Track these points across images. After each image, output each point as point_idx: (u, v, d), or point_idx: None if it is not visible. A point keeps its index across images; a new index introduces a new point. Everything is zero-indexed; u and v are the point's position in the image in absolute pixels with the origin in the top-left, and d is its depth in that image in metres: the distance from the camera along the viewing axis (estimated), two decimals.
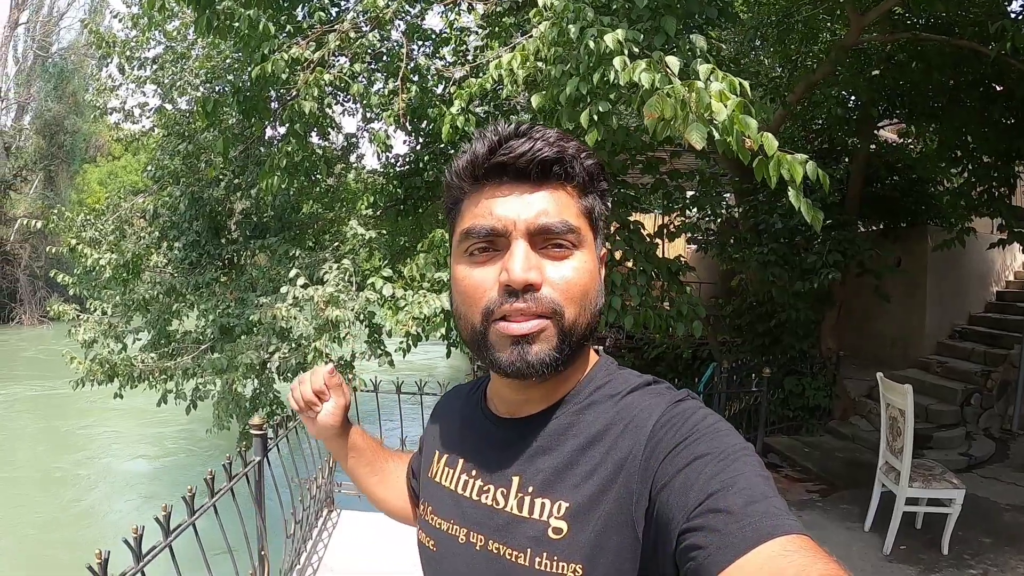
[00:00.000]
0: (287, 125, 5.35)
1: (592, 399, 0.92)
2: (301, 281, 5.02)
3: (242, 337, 5.69)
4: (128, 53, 7.84)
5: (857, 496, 5.69)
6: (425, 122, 6.00)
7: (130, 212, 7.88)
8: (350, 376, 5.25)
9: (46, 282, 28.39)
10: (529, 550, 0.85)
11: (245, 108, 5.22)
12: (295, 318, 4.82)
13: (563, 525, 0.83)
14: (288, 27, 5.45)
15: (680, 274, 5.02)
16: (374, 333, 5.63)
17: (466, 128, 4.62)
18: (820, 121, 9.25)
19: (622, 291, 4.53)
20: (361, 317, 5.18)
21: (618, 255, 4.80)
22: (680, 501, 0.72)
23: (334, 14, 6.00)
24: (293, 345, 5.13)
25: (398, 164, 7.45)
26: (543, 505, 0.86)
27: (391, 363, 5.33)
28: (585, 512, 0.82)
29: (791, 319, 8.07)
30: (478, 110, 5.29)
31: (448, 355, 5.70)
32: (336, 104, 7.45)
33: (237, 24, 4.36)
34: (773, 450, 7.45)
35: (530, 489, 0.88)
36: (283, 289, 5.10)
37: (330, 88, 5.20)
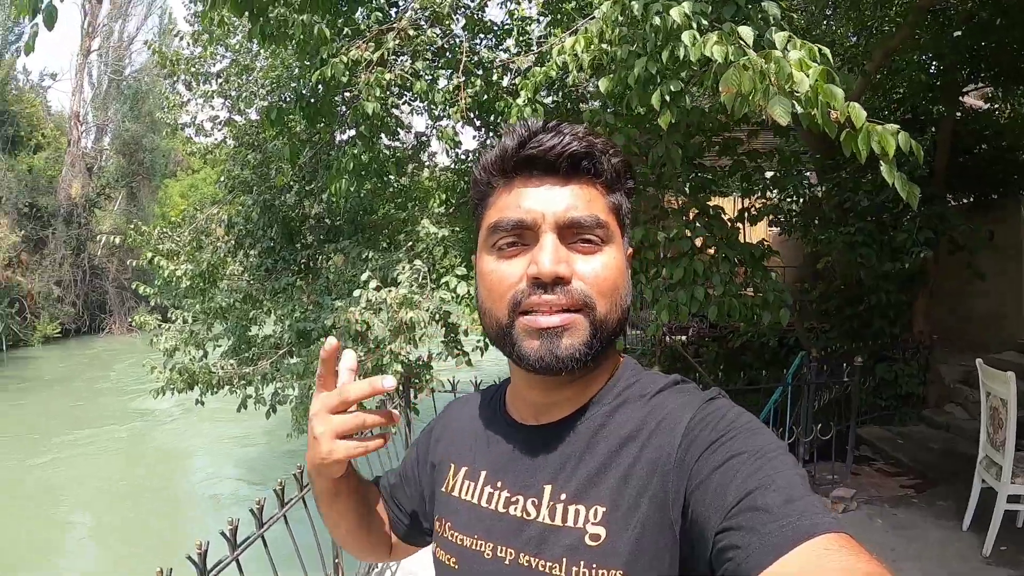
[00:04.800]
0: (353, 128, 5.38)
1: (622, 399, 0.90)
2: (373, 284, 5.01)
3: (319, 341, 5.74)
4: (194, 69, 8.06)
5: (953, 492, 5.32)
6: (492, 115, 5.93)
7: (206, 223, 8.10)
8: (427, 377, 5.24)
9: (133, 293, 29.78)
10: (565, 559, 0.81)
11: (309, 114, 5.25)
12: (368, 321, 4.82)
13: (601, 531, 0.80)
14: (346, 29, 5.45)
15: (764, 259, 4.79)
16: (451, 333, 5.59)
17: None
18: (901, 90, 8.74)
19: (704, 280, 4.35)
20: (437, 317, 5.15)
21: (699, 242, 4.61)
22: (717, 500, 0.71)
23: (392, 14, 5.97)
24: (369, 348, 5.14)
25: (468, 160, 7.42)
26: (578, 512, 0.83)
27: (468, 362, 5.29)
28: (624, 516, 0.80)
29: (881, 302, 7.64)
30: (547, 100, 5.19)
31: None
32: (403, 104, 7.47)
33: (292, 31, 4.37)
34: (865, 441, 7.07)
35: (563, 496, 0.85)
36: (356, 293, 5.11)
37: (394, 88, 5.17)
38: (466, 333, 4.97)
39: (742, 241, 4.95)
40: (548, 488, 0.87)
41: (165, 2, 34.76)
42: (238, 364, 6.33)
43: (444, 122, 6.82)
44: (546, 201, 0.85)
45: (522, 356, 0.84)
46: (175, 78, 8.33)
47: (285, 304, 6.49)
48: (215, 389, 6.29)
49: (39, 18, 4.06)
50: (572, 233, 0.85)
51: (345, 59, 4.67)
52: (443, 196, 6.59)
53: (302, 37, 4.39)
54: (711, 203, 4.93)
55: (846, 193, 7.63)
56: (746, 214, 5.44)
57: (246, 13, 4.19)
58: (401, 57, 5.11)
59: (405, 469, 1.17)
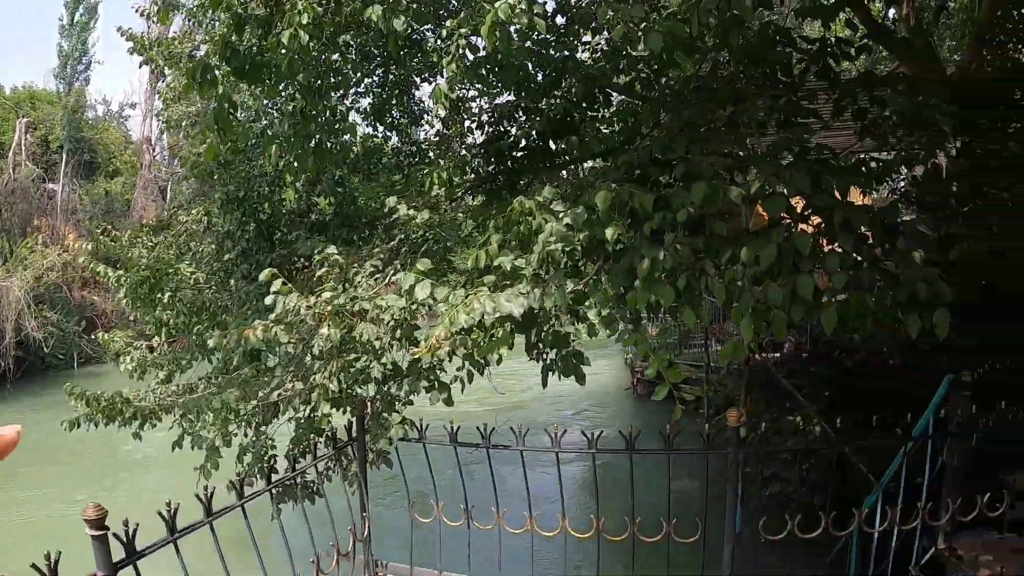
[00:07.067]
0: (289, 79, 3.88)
1: None
2: (276, 286, 3.46)
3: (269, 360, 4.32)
4: (169, 52, 6.86)
5: None
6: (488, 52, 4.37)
7: (189, 224, 6.86)
8: (384, 419, 3.60)
9: None
10: None
11: (239, 68, 3.80)
12: (274, 338, 3.30)
13: None
14: None
15: (897, 231, 2.96)
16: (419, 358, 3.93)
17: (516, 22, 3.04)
18: None
19: (812, 264, 2.52)
20: (397, 333, 3.55)
21: (797, 203, 2.79)
22: None
23: None
24: (300, 382, 3.61)
25: (476, 124, 5.86)
26: None
27: (448, 400, 3.56)
28: None
29: None
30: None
31: (544, 384, 3.68)
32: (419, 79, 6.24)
33: None
34: None
35: None
36: (267, 300, 3.61)
37: (334, 17, 3.71)
38: (449, 358, 3.25)
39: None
40: None
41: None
42: (180, 392, 4.93)
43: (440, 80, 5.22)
44: None
45: None
46: (152, 64, 7.16)
47: (252, 316, 5.06)
48: (150, 421, 4.90)
49: None
50: None
51: None
52: (443, 176, 4.85)
53: None
54: (815, 141, 3.15)
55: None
56: (863, 165, 3.54)
57: None
58: None
59: None
